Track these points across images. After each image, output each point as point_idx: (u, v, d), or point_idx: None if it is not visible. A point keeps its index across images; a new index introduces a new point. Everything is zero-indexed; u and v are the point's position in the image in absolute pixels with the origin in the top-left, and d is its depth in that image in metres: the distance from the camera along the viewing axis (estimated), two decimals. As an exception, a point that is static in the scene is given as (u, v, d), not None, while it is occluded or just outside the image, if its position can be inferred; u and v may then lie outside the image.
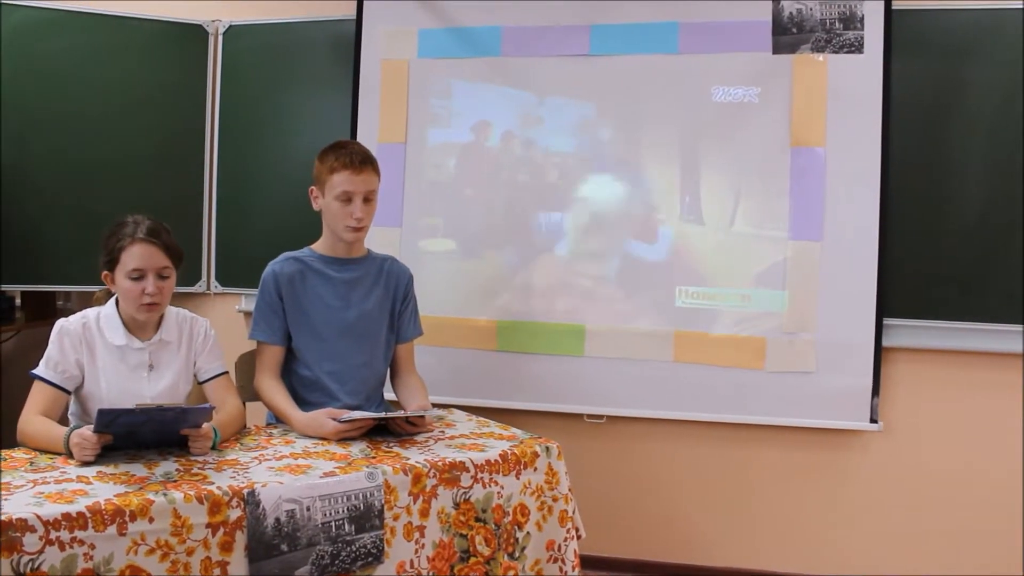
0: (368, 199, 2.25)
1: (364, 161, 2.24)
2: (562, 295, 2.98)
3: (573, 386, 2.96)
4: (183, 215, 3.25)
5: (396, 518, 1.85)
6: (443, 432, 2.20)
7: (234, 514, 1.66)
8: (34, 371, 1.97)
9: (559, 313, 2.97)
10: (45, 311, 3.42)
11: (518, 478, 2.02)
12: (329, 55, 3.21)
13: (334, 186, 2.22)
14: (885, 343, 2.80)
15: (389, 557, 1.83)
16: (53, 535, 1.48)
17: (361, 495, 1.81)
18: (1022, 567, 2.78)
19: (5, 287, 3.20)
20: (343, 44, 3.15)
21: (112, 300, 2.06)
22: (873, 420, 2.80)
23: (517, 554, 2.01)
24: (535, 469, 2.06)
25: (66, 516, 1.50)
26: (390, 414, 2.13)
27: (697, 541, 3.02)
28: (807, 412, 2.83)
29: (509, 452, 2.04)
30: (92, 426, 1.76)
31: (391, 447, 2.04)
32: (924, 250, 2.79)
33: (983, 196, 2.77)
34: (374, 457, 1.95)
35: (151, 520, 1.57)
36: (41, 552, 1.47)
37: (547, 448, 2.10)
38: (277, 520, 1.70)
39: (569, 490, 2.12)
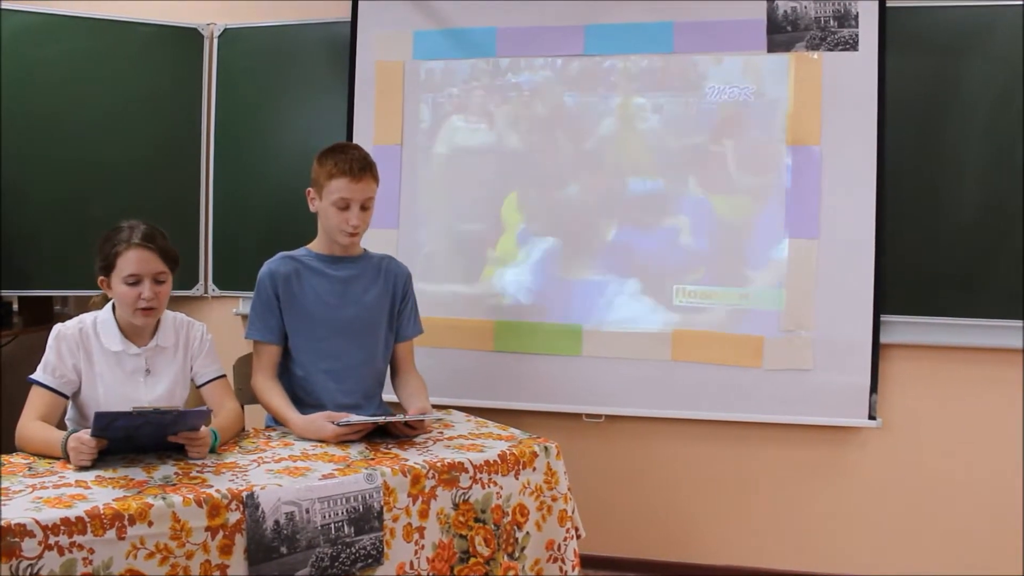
0: (365, 207, 2.25)
1: (363, 168, 2.22)
2: (559, 295, 2.98)
3: (571, 386, 2.96)
4: (180, 218, 3.25)
5: (395, 519, 1.85)
6: (442, 433, 2.20)
7: (233, 517, 1.66)
8: (32, 376, 1.97)
9: (556, 313, 2.98)
10: (42, 316, 3.41)
11: (517, 478, 2.02)
12: (324, 57, 3.21)
13: (331, 192, 2.22)
14: (883, 340, 2.80)
15: (389, 558, 1.83)
16: (52, 540, 1.47)
17: (360, 497, 1.81)
18: (1022, 566, 2.78)
19: (3, 292, 3.20)
20: (338, 46, 3.15)
21: (108, 305, 2.06)
22: (871, 417, 2.80)
23: (517, 554, 2.01)
24: (534, 469, 2.06)
25: (65, 521, 1.50)
26: (389, 418, 2.12)
27: (696, 539, 3.02)
28: (805, 410, 2.83)
29: (508, 452, 2.04)
30: (89, 430, 1.76)
31: (390, 448, 2.04)
32: (921, 246, 2.80)
33: (980, 192, 2.77)
34: (373, 459, 1.95)
35: (150, 524, 1.57)
36: (40, 557, 1.46)
37: (546, 448, 2.10)
38: (276, 523, 1.70)
39: (568, 490, 2.12)
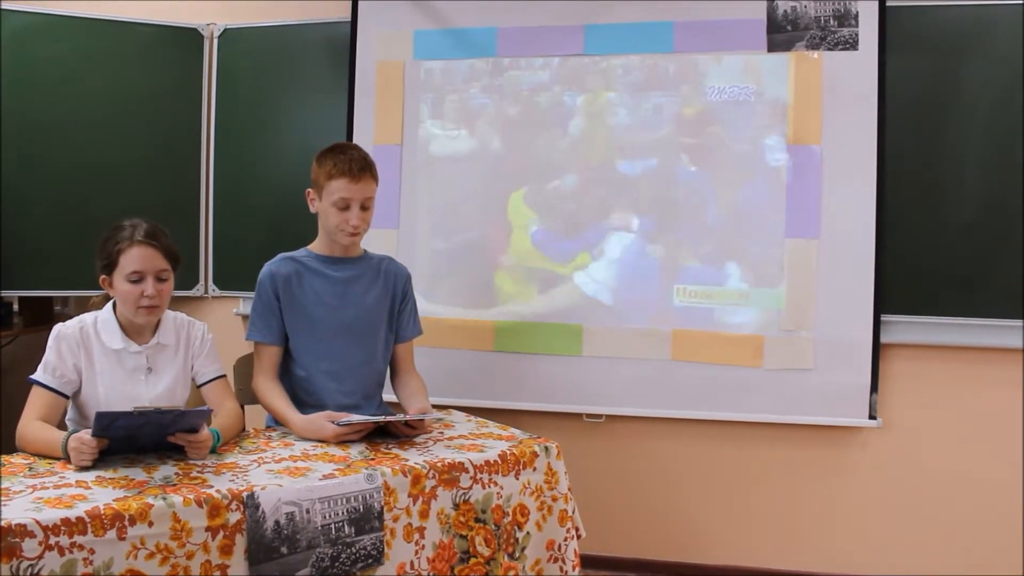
0: (365, 207, 2.25)
1: (363, 168, 2.22)
2: (559, 295, 2.98)
3: (572, 386, 2.96)
4: (181, 218, 3.25)
5: (396, 519, 1.85)
6: (442, 433, 2.20)
7: (234, 517, 1.66)
8: (32, 376, 1.97)
9: (556, 313, 2.98)
10: (43, 316, 3.41)
11: (517, 478, 2.02)
12: (325, 57, 3.21)
13: (331, 192, 2.22)
14: (883, 339, 2.80)
15: (389, 559, 1.83)
16: (52, 540, 1.48)
17: (360, 497, 1.81)
18: (1022, 567, 2.78)
19: (3, 293, 3.20)
20: (339, 46, 3.15)
21: (109, 304, 2.06)
22: (872, 417, 2.80)
23: (517, 554, 2.01)
24: (534, 469, 2.06)
25: (65, 521, 1.50)
26: (389, 417, 2.13)
27: (697, 539, 3.02)
28: (806, 409, 2.83)
29: (508, 452, 2.04)
30: (90, 430, 1.76)
31: (390, 449, 2.04)
32: (922, 246, 2.80)
33: (980, 191, 2.77)
34: (373, 459, 1.95)
35: (150, 524, 1.57)
36: (40, 558, 1.46)
37: (546, 448, 2.10)
38: (277, 523, 1.70)
39: (568, 489, 2.12)
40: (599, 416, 3.01)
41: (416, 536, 1.88)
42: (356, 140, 3.03)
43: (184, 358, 2.11)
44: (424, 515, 1.89)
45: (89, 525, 1.51)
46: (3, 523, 1.45)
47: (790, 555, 2.96)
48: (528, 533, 2.03)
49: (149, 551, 1.57)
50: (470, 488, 1.95)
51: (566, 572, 2.07)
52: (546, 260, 3.00)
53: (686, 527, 3.03)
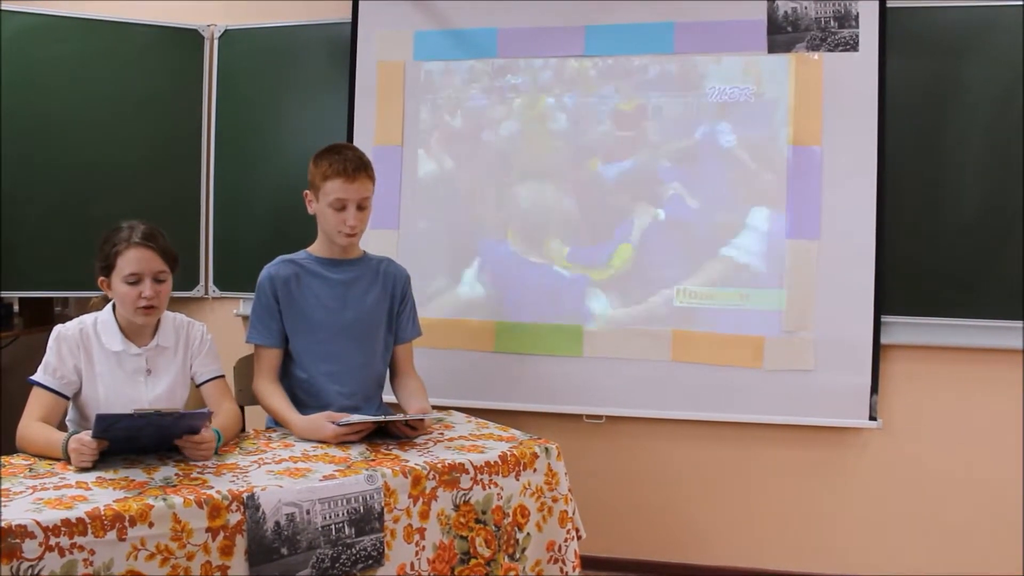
0: (362, 207, 2.25)
1: (358, 168, 2.22)
2: (559, 295, 2.98)
3: (572, 387, 2.96)
4: (181, 219, 3.25)
5: (396, 520, 1.85)
6: (442, 434, 2.20)
7: (234, 518, 1.66)
8: (32, 377, 1.97)
9: (557, 314, 2.97)
10: (43, 317, 3.41)
11: (518, 479, 2.02)
12: (325, 58, 3.21)
13: (327, 193, 2.22)
14: (884, 340, 2.80)
15: (389, 560, 1.83)
16: (53, 541, 1.48)
17: (361, 498, 1.81)
18: (1022, 567, 2.78)
19: (3, 294, 3.20)
20: (339, 47, 3.15)
21: (109, 306, 2.06)
22: (872, 417, 2.80)
23: (517, 555, 2.01)
24: (535, 470, 2.06)
25: (65, 522, 1.50)
26: (389, 417, 2.13)
27: (697, 540, 3.02)
28: (806, 410, 2.83)
29: (508, 453, 2.04)
30: (90, 431, 1.76)
31: (390, 450, 2.04)
32: (922, 247, 2.80)
33: (980, 192, 2.77)
34: (373, 460, 1.95)
35: (151, 525, 1.57)
36: (41, 558, 1.46)
37: (546, 449, 2.10)
38: (277, 524, 1.70)
39: (569, 490, 2.12)
40: (599, 417, 3.01)
41: (416, 537, 1.88)
42: (356, 141, 3.03)
43: (183, 359, 2.11)
44: (424, 516, 1.89)
45: (89, 526, 1.51)
46: (3, 524, 1.45)
47: (790, 556, 2.96)
48: (528, 534, 2.03)
49: (149, 552, 1.57)
50: (470, 489, 1.95)
51: (566, 573, 2.07)
52: (547, 258, 2.99)
53: (686, 527, 3.03)
